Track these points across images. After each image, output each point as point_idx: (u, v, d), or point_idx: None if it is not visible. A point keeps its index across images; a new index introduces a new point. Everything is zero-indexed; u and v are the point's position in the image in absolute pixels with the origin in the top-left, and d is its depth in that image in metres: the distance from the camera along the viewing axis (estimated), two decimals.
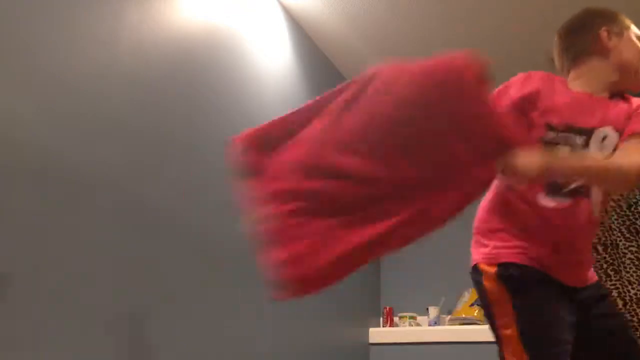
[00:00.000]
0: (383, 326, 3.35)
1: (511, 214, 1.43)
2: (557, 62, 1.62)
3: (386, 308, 3.35)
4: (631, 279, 1.86)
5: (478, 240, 1.48)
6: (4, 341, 1.31)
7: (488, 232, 1.45)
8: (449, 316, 3.20)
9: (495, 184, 1.44)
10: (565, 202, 1.39)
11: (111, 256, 1.62)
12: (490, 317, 1.41)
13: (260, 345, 2.26)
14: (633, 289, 1.87)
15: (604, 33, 1.52)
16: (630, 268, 1.86)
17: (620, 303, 1.86)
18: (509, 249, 1.40)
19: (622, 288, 1.88)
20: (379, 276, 3.54)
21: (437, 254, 3.43)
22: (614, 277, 1.87)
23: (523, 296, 1.36)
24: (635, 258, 1.89)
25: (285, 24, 2.76)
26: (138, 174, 1.76)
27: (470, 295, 3.18)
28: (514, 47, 3.06)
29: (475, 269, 1.46)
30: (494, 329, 1.39)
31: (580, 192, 1.40)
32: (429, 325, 3.21)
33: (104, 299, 1.58)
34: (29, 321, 1.38)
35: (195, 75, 2.07)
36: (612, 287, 1.87)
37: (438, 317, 3.21)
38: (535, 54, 3.10)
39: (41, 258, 1.42)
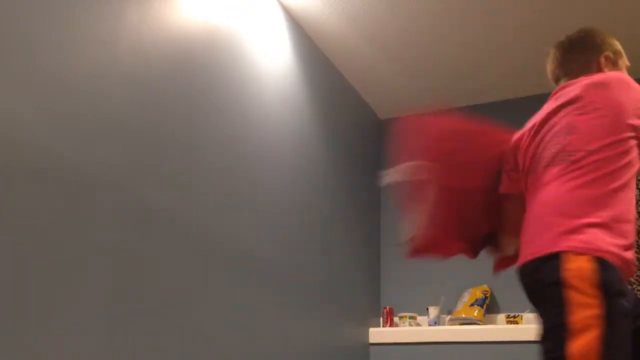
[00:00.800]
0: (383, 326, 3.35)
1: (624, 204, 1.37)
2: (552, 69, 1.73)
3: (386, 308, 3.35)
4: (631, 279, 1.86)
5: (561, 229, 1.36)
6: (5, 341, 1.31)
7: (581, 225, 1.34)
8: (449, 316, 3.20)
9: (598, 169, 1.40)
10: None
11: (111, 256, 1.62)
12: (562, 312, 1.28)
13: (260, 345, 2.26)
14: (633, 289, 1.87)
15: (602, 59, 1.63)
16: None
17: None
18: (608, 246, 1.32)
19: None
20: (379, 276, 3.54)
21: None
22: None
23: (616, 304, 1.27)
24: (635, 258, 1.90)
25: (285, 24, 2.76)
26: (138, 174, 1.76)
27: (470, 295, 3.18)
28: (513, 45, 3.06)
29: (556, 257, 1.32)
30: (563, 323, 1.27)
31: None
32: (429, 325, 3.21)
33: (103, 299, 1.58)
34: (29, 321, 1.38)
35: (195, 75, 2.07)
36: None
37: (438, 317, 3.21)
38: (534, 53, 3.10)
39: (41, 258, 1.42)
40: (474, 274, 3.25)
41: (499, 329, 3.01)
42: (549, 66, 1.74)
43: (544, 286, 1.33)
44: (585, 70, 1.63)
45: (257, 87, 2.45)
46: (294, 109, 2.74)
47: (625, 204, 1.39)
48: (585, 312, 1.24)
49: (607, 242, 1.32)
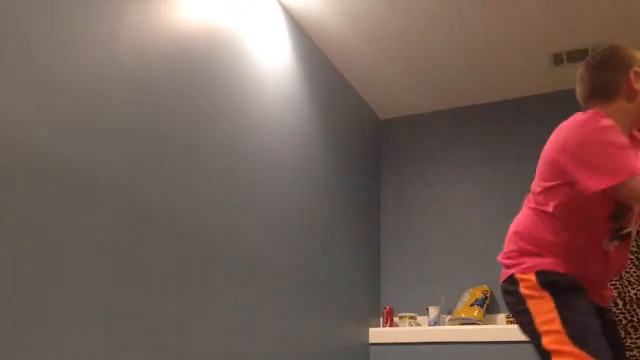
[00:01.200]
0: (383, 326, 3.35)
1: (574, 251, 1.53)
2: (579, 90, 1.67)
3: (386, 308, 3.35)
4: (631, 279, 1.86)
5: (515, 257, 1.59)
6: (5, 340, 1.31)
7: (533, 254, 1.56)
8: (449, 316, 3.20)
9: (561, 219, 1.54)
10: (615, 245, 1.55)
11: (111, 256, 1.62)
12: (530, 320, 1.50)
13: (260, 345, 2.26)
14: (633, 289, 1.87)
15: (632, 75, 1.58)
16: (630, 268, 1.86)
17: (620, 303, 1.86)
18: (549, 264, 1.53)
19: (622, 288, 1.89)
20: (379, 276, 3.54)
21: (437, 254, 3.44)
22: (614, 277, 1.88)
23: (565, 297, 1.48)
24: (635, 258, 1.90)
25: (285, 24, 2.76)
26: (138, 174, 1.76)
27: (470, 295, 3.18)
28: (513, 45, 3.06)
29: (511, 279, 1.57)
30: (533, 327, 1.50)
31: (628, 236, 1.56)
32: (429, 325, 3.21)
33: (103, 299, 1.58)
34: (29, 321, 1.38)
35: (195, 75, 2.07)
36: (612, 287, 1.88)
37: (438, 317, 3.21)
38: (534, 53, 3.10)
39: (41, 258, 1.42)
40: (474, 274, 3.25)
41: (499, 329, 3.01)
42: (577, 88, 1.67)
43: (513, 305, 1.56)
44: (614, 90, 1.58)
45: (257, 87, 2.45)
46: (294, 109, 2.74)
47: (565, 239, 1.53)
48: (543, 307, 1.46)
49: (547, 261, 1.52)
